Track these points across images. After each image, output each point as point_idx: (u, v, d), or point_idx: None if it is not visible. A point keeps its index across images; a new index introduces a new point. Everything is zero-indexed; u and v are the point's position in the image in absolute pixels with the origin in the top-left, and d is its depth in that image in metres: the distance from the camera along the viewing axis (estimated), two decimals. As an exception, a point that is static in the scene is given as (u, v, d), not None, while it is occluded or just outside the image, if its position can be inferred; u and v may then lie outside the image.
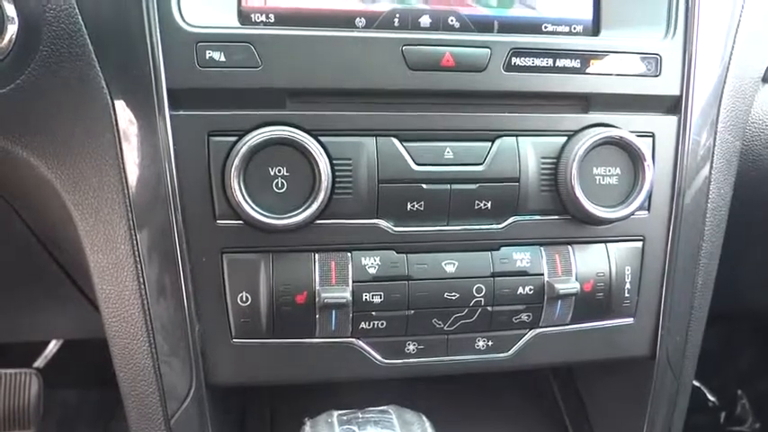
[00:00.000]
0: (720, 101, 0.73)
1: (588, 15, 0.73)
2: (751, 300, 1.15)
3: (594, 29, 0.73)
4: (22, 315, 1.13)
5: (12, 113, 0.62)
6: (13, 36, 0.59)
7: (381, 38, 0.65)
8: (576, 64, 0.68)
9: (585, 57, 0.68)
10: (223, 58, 0.62)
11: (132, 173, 0.62)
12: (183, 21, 0.62)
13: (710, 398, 1.52)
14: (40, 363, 1.39)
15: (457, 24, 0.70)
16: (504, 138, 0.68)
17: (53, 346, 1.39)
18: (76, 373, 1.40)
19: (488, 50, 0.66)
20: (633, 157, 0.69)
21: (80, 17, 0.60)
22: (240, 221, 0.63)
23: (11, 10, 0.59)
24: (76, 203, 0.63)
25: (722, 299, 0.81)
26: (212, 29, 0.63)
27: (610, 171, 0.69)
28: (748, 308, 1.21)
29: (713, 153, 0.73)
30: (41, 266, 0.90)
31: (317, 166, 0.62)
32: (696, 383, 1.45)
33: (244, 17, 0.66)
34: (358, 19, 0.68)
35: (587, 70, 0.68)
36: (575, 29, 0.73)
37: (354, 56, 0.64)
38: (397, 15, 0.69)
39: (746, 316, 1.37)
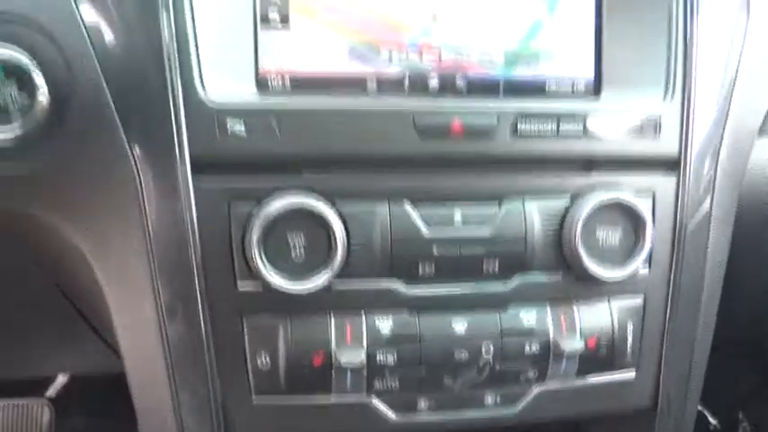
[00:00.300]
0: (718, 158, 0.76)
1: (590, 74, 0.76)
2: (744, 333, 1.17)
3: (596, 87, 0.76)
4: (32, 350, 1.16)
5: (40, 183, 0.64)
6: (44, 107, 0.61)
7: (393, 107, 0.68)
8: (578, 127, 0.70)
9: (588, 120, 0.71)
10: (243, 129, 0.64)
11: (157, 238, 0.64)
12: (205, 92, 0.64)
13: (712, 420, 1.54)
14: (51, 392, 1.40)
15: (464, 85, 0.73)
16: (511, 200, 0.70)
17: (64, 377, 1.41)
18: (89, 403, 1.42)
19: (495, 117, 0.68)
20: (634, 219, 0.71)
21: (107, 89, 0.63)
22: (259, 285, 0.66)
23: (40, 80, 0.62)
24: (102, 267, 0.66)
25: (719, 334, 0.83)
26: (233, 100, 0.65)
27: (612, 232, 0.71)
28: (744, 341, 1.23)
29: (711, 208, 0.76)
30: (55, 306, 0.92)
31: (333, 230, 0.65)
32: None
33: (261, 82, 0.69)
34: (370, 82, 0.71)
35: (589, 133, 0.71)
36: (577, 87, 0.76)
37: (368, 125, 0.67)
38: (408, 77, 0.72)
39: (743, 345, 1.39)
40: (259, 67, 0.69)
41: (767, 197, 0.88)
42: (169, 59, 0.63)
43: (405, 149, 0.67)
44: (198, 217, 0.64)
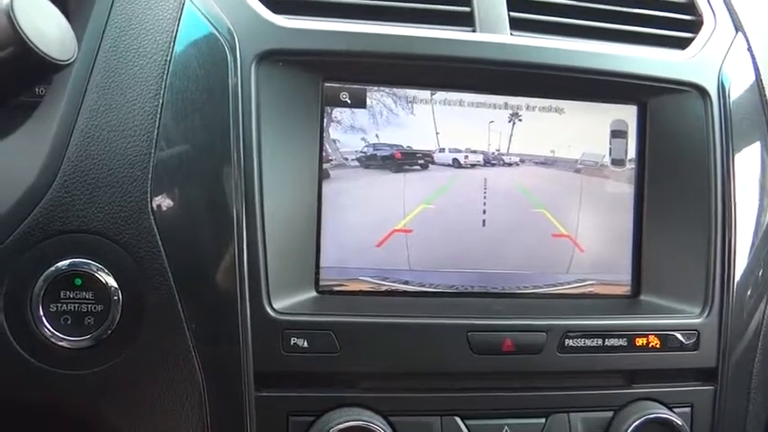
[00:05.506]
0: (753, 365, 0.79)
1: (629, 276, 0.80)
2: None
3: (634, 289, 0.80)
4: None
5: (107, 382, 0.66)
6: (116, 316, 0.65)
7: (449, 324, 0.70)
8: (622, 343, 0.74)
9: (630, 336, 0.74)
10: (306, 345, 0.67)
11: None
12: (271, 307, 0.67)
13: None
14: None
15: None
16: (557, 414, 0.73)
17: None
18: None
19: (544, 335, 0.72)
20: None
21: (180, 304, 0.66)
22: None
23: (115, 292, 0.65)
24: None
25: None
26: (295, 310, 0.69)
27: None
28: None
29: (746, 418, 0.79)
30: None
31: None
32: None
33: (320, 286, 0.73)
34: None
35: (632, 348, 0.74)
36: (617, 287, 0.79)
37: (424, 341, 0.69)
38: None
39: None
40: (320, 268, 0.73)
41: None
42: (240, 278, 0.66)
43: (459, 366, 0.70)
44: (257, 428, 0.67)
